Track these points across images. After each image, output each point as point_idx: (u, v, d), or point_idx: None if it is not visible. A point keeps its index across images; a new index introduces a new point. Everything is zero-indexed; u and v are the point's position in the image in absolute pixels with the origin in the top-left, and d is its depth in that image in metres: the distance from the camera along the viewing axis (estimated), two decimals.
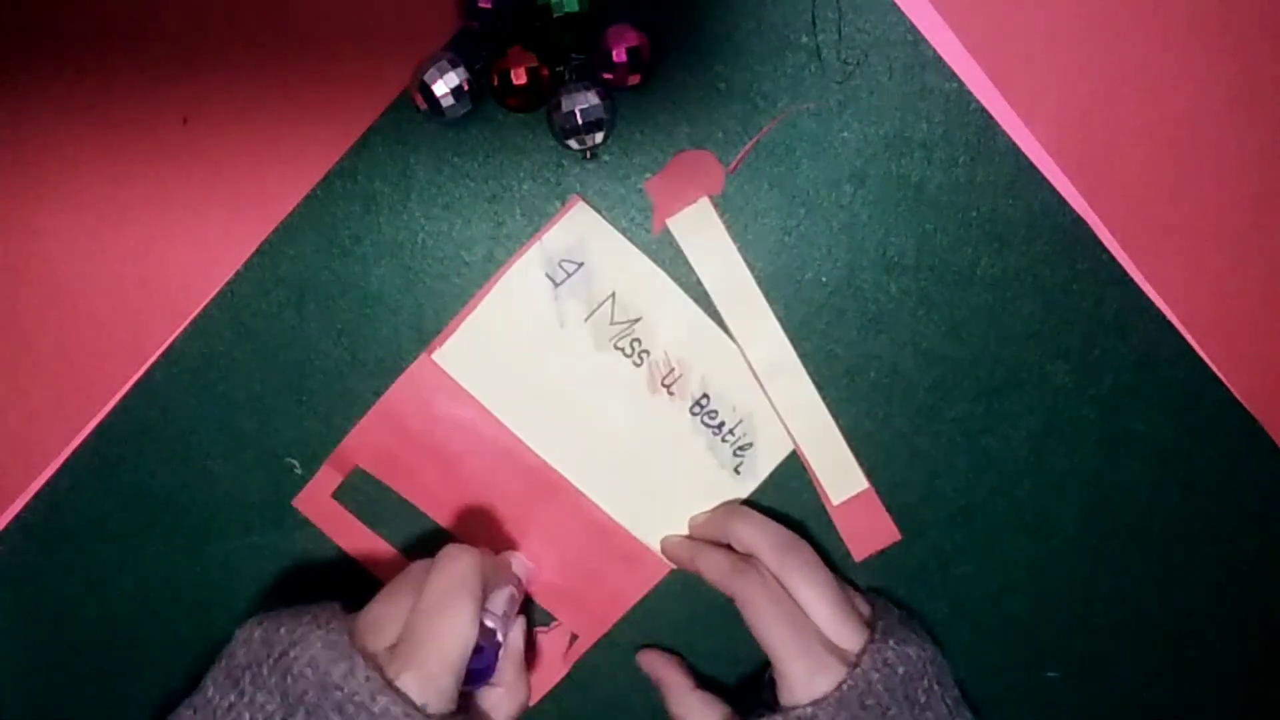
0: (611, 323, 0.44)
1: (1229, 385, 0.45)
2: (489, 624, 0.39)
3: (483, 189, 0.42)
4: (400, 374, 0.44)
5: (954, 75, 0.41)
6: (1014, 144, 0.42)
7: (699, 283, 0.43)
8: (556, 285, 0.43)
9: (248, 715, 0.35)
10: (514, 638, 0.41)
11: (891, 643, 0.40)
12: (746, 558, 0.42)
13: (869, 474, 0.46)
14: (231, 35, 0.40)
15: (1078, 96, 0.42)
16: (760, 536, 0.42)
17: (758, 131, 0.42)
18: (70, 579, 0.46)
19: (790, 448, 0.45)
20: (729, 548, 0.43)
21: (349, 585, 0.45)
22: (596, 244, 0.43)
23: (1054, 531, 0.47)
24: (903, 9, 0.41)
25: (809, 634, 0.40)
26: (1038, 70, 0.42)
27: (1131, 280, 0.44)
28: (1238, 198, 0.43)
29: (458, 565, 0.38)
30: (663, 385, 0.45)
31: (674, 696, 0.45)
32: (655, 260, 0.43)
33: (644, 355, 0.44)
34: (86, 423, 0.44)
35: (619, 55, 0.39)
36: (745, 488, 0.46)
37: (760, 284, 0.43)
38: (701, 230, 0.43)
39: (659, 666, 0.46)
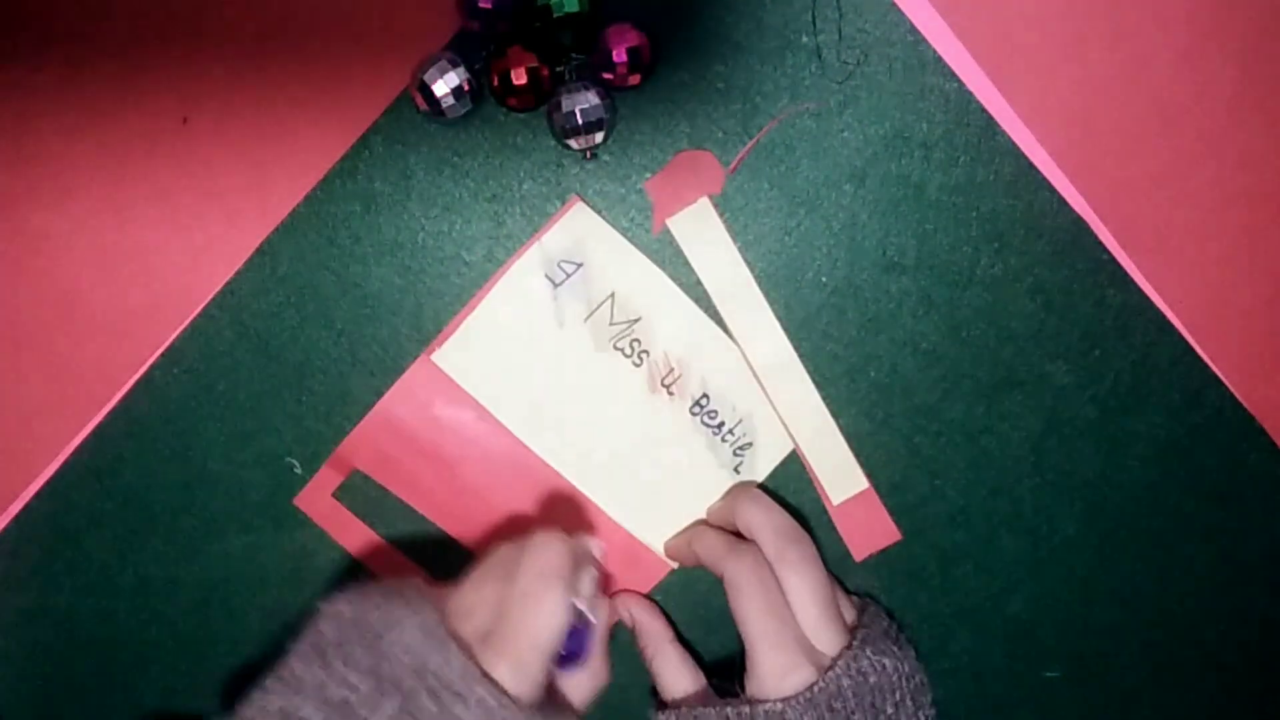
0: (611, 323, 0.44)
1: (1229, 385, 0.45)
2: (580, 607, 0.39)
3: (483, 189, 0.42)
4: (400, 374, 0.44)
5: (954, 75, 0.41)
6: (1014, 144, 0.42)
7: (699, 283, 0.43)
8: (556, 285, 0.43)
9: (337, 691, 0.35)
10: (602, 619, 0.41)
11: (868, 651, 0.40)
12: (747, 542, 0.42)
13: (869, 474, 0.45)
14: (231, 35, 0.40)
15: (1078, 96, 0.42)
16: (765, 521, 0.42)
17: (758, 131, 0.42)
18: (70, 579, 0.46)
19: (790, 448, 0.45)
20: (739, 534, 0.43)
21: (349, 585, 0.45)
22: (596, 244, 0.43)
23: (1054, 531, 0.47)
24: (903, 9, 0.41)
25: (789, 629, 0.40)
26: (1038, 70, 0.42)
27: (1131, 280, 0.44)
28: (1237, 198, 0.43)
29: (549, 552, 0.38)
30: (662, 385, 0.45)
31: (651, 645, 0.44)
32: (655, 260, 0.43)
33: (644, 355, 0.44)
34: (86, 423, 0.44)
35: (619, 55, 0.39)
36: None
37: (760, 284, 0.43)
38: (701, 230, 0.43)
39: (638, 612, 0.45)
